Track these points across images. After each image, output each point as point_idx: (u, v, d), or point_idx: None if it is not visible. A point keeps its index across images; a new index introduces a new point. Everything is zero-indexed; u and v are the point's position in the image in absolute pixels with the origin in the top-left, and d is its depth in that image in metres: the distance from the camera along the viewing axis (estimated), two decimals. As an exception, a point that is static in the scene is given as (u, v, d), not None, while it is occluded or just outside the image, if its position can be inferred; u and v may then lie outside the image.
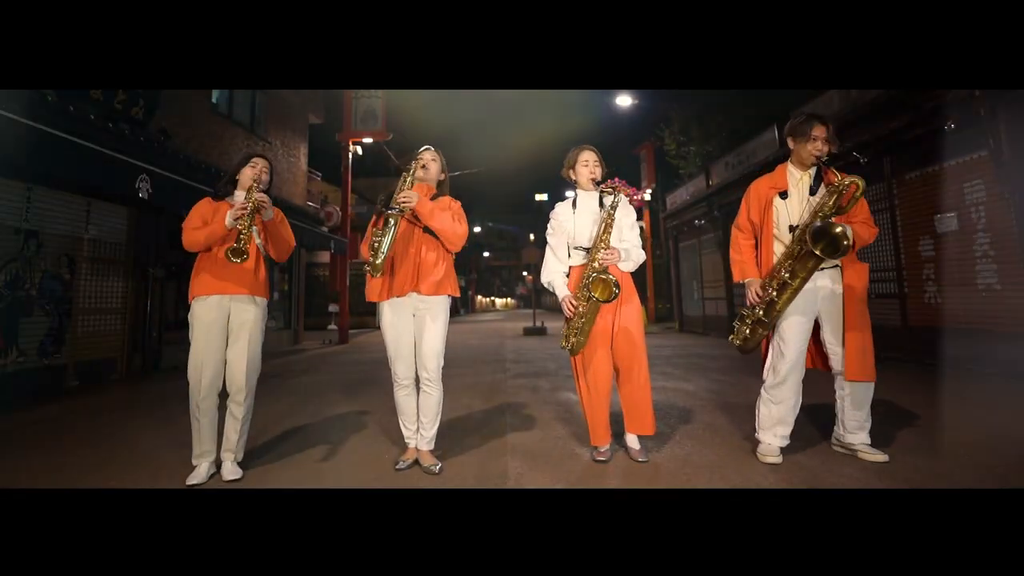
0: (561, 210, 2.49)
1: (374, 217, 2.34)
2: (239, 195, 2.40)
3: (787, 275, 2.16)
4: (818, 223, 2.08)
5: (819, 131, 2.23)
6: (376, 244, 2.20)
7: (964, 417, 2.95)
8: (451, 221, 2.30)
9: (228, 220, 2.27)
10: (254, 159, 2.46)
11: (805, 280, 2.15)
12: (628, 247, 2.36)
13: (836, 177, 2.19)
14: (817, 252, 2.02)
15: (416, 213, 2.24)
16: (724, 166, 9.32)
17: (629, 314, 2.36)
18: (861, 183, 2.08)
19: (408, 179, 2.27)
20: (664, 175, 13.42)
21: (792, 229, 2.25)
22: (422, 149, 2.38)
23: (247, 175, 2.39)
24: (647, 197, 13.33)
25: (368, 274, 2.31)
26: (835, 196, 2.11)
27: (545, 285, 2.51)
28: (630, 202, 2.51)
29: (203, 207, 2.38)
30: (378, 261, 2.19)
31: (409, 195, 2.21)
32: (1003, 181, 4.13)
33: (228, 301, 2.31)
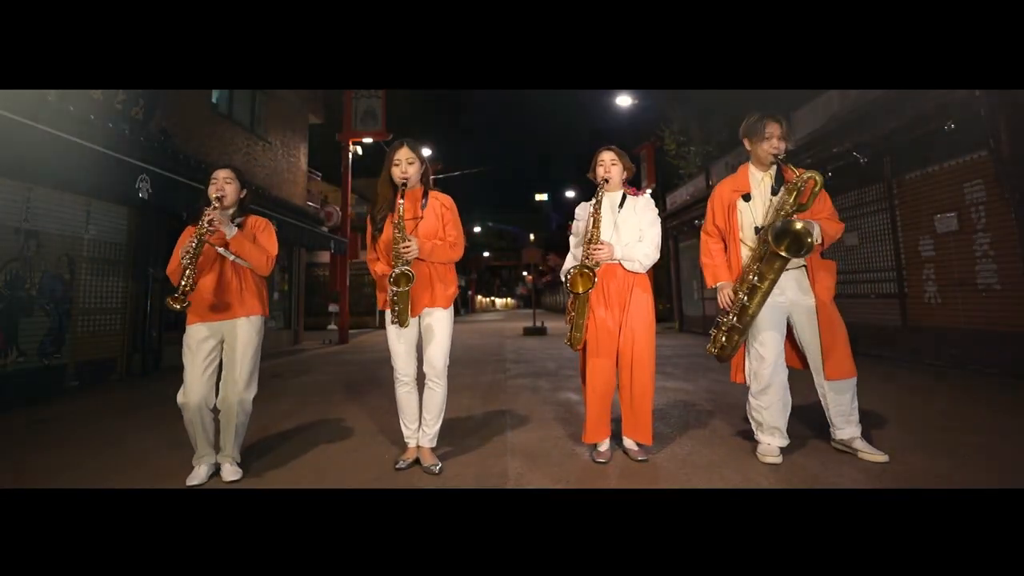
0: (582, 212, 2.48)
1: (370, 242, 2.35)
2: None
3: (755, 278, 2.12)
4: (779, 223, 2.05)
5: (773, 128, 2.21)
6: (398, 310, 2.20)
7: (964, 417, 2.95)
8: (447, 252, 2.31)
9: (180, 256, 2.11)
10: (214, 174, 2.29)
11: (774, 282, 2.11)
12: (631, 242, 2.34)
13: (794, 174, 2.14)
14: (781, 252, 1.97)
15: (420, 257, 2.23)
16: (724, 166, 9.31)
17: (638, 321, 2.33)
18: (819, 178, 2.05)
19: (400, 224, 2.15)
20: (664, 175, 13.41)
21: (758, 231, 2.24)
22: (396, 149, 2.28)
23: (210, 194, 2.24)
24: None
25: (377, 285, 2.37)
26: (795, 193, 2.08)
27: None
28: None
29: (185, 239, 2.23)
30: (405, 320, 2.22)
31: (409, 246, 2.14)
32: (1003, 181, 4.13)
33: (219, 326, 2.25)
